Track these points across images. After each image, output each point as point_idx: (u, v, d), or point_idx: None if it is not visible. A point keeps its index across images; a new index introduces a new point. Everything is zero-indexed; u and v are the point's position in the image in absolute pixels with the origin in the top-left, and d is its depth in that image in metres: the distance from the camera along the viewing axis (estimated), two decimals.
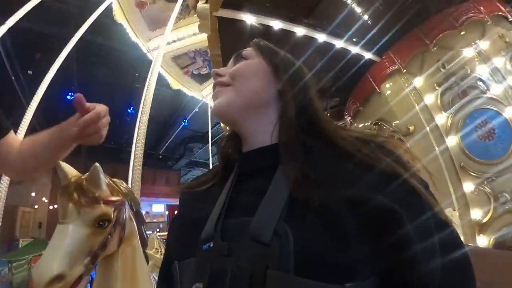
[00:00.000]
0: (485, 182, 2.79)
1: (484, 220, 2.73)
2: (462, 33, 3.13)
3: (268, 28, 2.91)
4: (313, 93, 0.59)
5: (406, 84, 3.34)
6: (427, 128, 3.10)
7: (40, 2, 3.30)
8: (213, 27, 2.85)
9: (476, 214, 2.77)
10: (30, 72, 9.41)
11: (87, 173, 0.90)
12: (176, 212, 0.64)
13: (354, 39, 3.25)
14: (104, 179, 0.91)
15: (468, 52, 3.08)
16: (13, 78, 9.48)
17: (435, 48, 3.20)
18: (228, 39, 2.90)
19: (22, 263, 1.79)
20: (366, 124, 4.06)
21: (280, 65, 0.59)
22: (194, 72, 6.97)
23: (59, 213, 0.90)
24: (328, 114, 5.88)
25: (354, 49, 3.31)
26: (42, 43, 9.08)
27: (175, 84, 7.30)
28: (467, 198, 2.82)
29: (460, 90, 3.01)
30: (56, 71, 3.63)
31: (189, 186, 0.61)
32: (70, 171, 0.91)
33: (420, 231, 0.41)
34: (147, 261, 1.15)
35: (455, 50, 3.11)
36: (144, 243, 1.13)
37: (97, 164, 0.87)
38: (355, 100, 4.44)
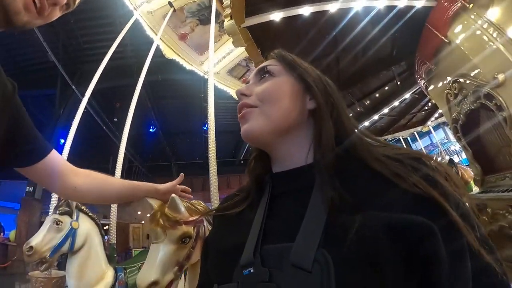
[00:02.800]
0: None
1: None
2: None
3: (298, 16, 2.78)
4: (345, 109, 0.56)
5: (479, 21, 2.57)
6: None
7: (106, 65, 3.98)
8: (246, 38, 2.81)
9: None
10: (115, 119, 11.48)
11: (168, 202, 1.05)
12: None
13: None
14: (181, 205, 1.05)
15: None
16: (104, 127, 11.63)
17: None
18: (264, 41, 2.87)
19: (134, 269, 2.25)
20: (445, 82, 3.48)
21: (312, 83, 0.56)
22: None
23: (151, 235, 1.09)
24: (398, 83, 5.25)
25: (401, 2, 2.89)
26: (118, 95, 11.02)
27: None
28: None
29: None
30: (136, 113, 4.23)
31: (222, 209, 0.62)
32: (154, 202, 1.08)
33: (452, 257, 0.39)
34: None
35: None
36: None
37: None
38: (423, 59, 3.83)
